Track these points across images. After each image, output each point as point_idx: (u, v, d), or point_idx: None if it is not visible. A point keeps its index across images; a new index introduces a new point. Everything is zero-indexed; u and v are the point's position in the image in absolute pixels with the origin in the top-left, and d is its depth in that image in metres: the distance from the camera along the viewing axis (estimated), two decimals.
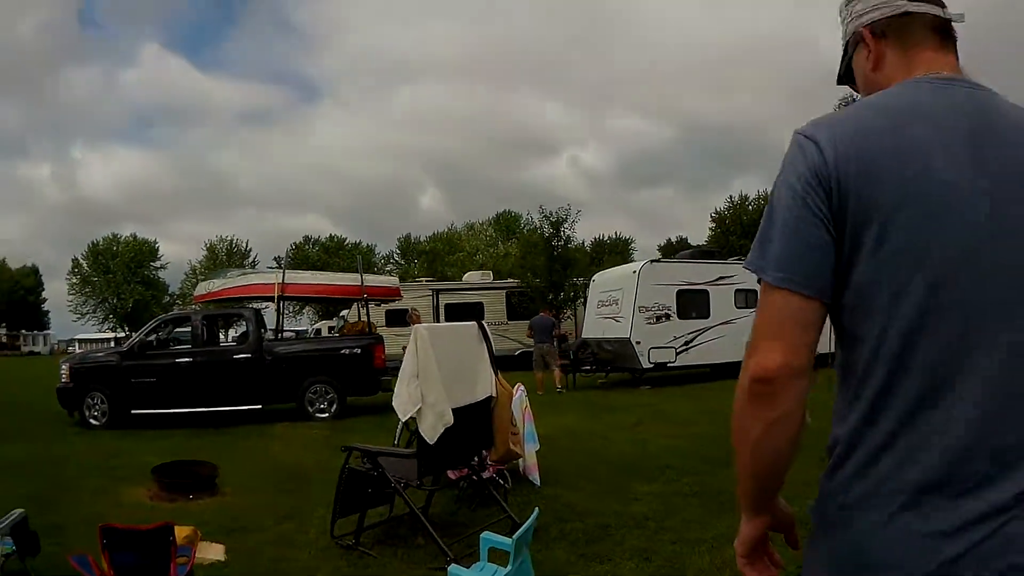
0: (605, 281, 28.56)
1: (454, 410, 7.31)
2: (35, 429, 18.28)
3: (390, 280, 26.78)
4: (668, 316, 25.86)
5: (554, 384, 25.30)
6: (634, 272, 26.38)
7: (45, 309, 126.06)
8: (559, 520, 8.31)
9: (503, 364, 29.18)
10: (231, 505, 9.95)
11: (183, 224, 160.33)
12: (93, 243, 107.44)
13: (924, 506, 1.77)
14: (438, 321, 33.01)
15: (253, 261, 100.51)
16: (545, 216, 39.11)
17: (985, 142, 1.88)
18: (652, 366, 25.43)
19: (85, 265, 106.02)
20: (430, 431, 7.12)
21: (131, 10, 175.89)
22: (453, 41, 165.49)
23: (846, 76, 2.36)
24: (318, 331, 49.73)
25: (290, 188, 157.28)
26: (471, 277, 43.30)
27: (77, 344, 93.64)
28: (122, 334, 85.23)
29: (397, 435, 9.74)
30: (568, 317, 37.98)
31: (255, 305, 22.88)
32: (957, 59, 2.12)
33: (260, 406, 18.73)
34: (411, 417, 7.34)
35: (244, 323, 20.22)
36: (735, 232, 71.21)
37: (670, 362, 25.77)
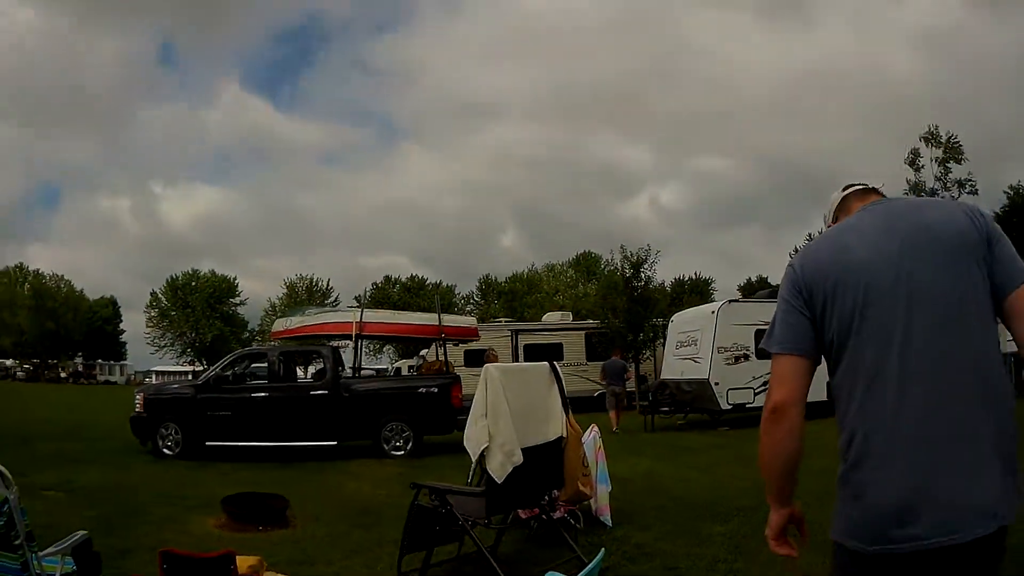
0: (684, 321, 28.35)
1: (524, 450, 7.22)
2: (107, 456, 18.44)
3: (468, 320, 26.82)
4: (746, 356, 25.45)
5: (611, 425, 24.87)
6: (712, 312, 26.20)
7: (123, 340, 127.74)
8: (628, 561, 8.19)
9: (582, 405, 29.11)
10: (300, 538, 9.95)
11: (263, 261, 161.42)
12: (172, 277, 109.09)
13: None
14: (517, 362, 32.72)
15: (335, 300, 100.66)
16: (625, 257, 38.93)
17: (893, 222, 3.03)
18: (730, 407, 25.10)
19: (163, 299, 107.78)
20: (498, 470, 7.06)
21: (209, 50, 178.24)
22: (533, 81, 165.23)
23: None
24: (398, 370, 49.74)
25: (371, 228, 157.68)
26: (551, 318, 43.24)
27: (154, 375, 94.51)
28: (200, 368, 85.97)
29: (471, 473, 9.65)
30: (647, 358, 37.69)
31: (333, 343, 22.99)
32: (879, 196, 3.39)
33: (335, 442, 18.73)
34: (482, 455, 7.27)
35: (321, 360, 20.23)
36: None
37: (748, 403, 25.25)
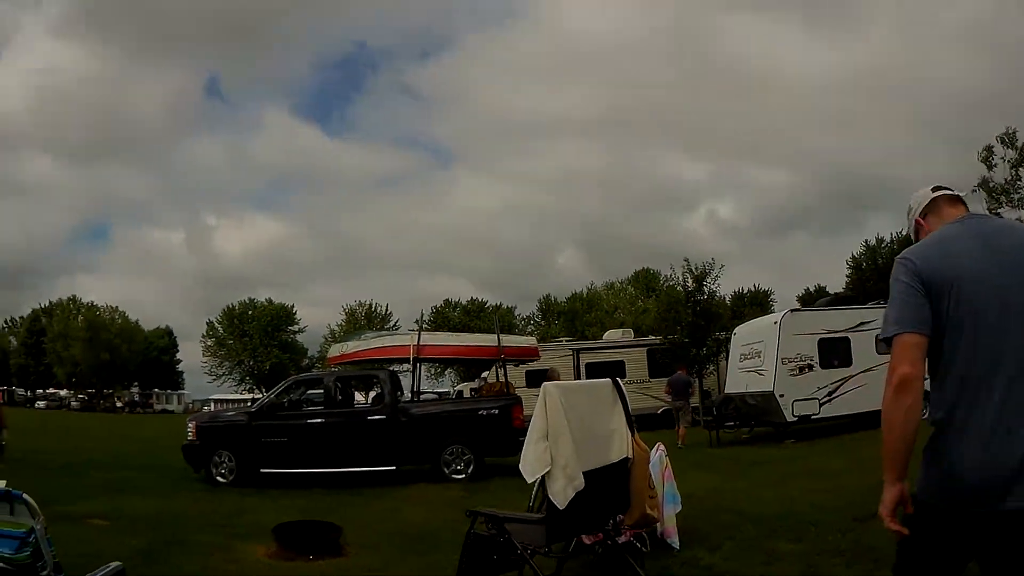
0: (746, 334, 27.93)
1: (586, 473, 6.71)
2: (159, 484, 18.45)
3: (528, 340, 26.52)
4: (811, 367, 24.99)
5: (679, 440, 24.77)
6: (775, 323, 25.72)
7: (180, 370, 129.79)
8: None
9: (646, 423, 28.85)
10: (352, 567, 9.71)
11: (320, 289, 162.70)
12: (228, 307, 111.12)
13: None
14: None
15: (394, 324, 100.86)
16: (689, 270, 38.58)
17: (991, 242, 3.52)
18: (796, 419, 24.49)
19: (220, 328, 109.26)
20: (560, 495, 6.53)
21: (255, 81, 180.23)
22: (583, 99, 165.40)
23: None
24: (459, 392, 49.63)
25: (429, 251, 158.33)
26: (611, 335, 42.99)
27: (212, 404, 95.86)
28: (259, 395, 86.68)
29: (532, 497, 9.34)
30: (711, 372, 37.33)
31: (392, 367, 22.81)
32: (965, 207, 3.90)
33: (394, 467, 18.50)
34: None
35: (379, 384, 20.07)
36: (871, 277, 69.41)
37: (814, 414, 24.82)
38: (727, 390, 28.32)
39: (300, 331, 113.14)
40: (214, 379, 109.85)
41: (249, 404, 21.48)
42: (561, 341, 44.21)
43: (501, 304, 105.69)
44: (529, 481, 7.06)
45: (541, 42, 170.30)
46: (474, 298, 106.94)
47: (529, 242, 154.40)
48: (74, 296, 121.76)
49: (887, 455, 3.42)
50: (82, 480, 18.87)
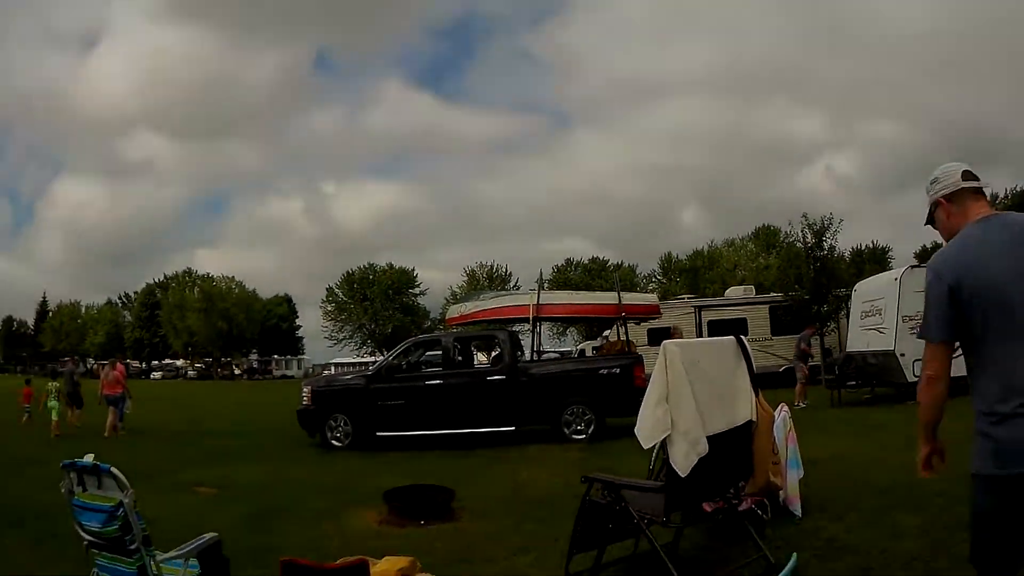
0: (867, 291, 27.15)
1: (709, 437, 6.33)
2: (273, 450, 18.85)
3: (649, 297, 26.21)
4: None
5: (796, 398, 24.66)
6: (895, 279, 24.91)
7: (299, 336, 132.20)
8: (818, 559, 7.39)
9: (767, 382, 28.73)
10: (465, 533, 9.61)
11: (441, 252, 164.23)
12: (348, 272, 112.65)
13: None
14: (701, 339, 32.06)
15: (515, 284, 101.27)
16: (808, 225, 37.92)
17: (1016, 241, 4.00)
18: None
19: (340, 293, 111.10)
20: (682, 462, 6.16)
21: (365, 52, 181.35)
22: (698, 57, 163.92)
23: (929, 223, 4.56)
24: (582, 351, 49.45)
25: (549, 212, 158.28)
26: (733, 292, 42.51)
27: (332, 368, 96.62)
28: (381, 358, 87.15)
29: (652, 460, 9.16)
30: (832, 330, 36.75)
31: (511, 327, 22.83)
32: (988, 203, 4.31)
33: (513, 428, 18.55)
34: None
35: (498, 344, 20.11)
36: None
37: None
38: (848, 348, 27.72)
39: (421, 294, 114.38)
40: (334, 343, 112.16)
41: (367, 367, 21.62)
42: (683, 298, 43.79)
43: (622, 263, 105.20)
44: (646, 447, 6.73)
45: (652, 0, 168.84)
46: (595, 257, 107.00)
47: (649, 200, 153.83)
48: (189, 268, 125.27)
49: (921, 426, 4.43)
50: (194, 448, 19.44)
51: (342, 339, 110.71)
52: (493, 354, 21.76)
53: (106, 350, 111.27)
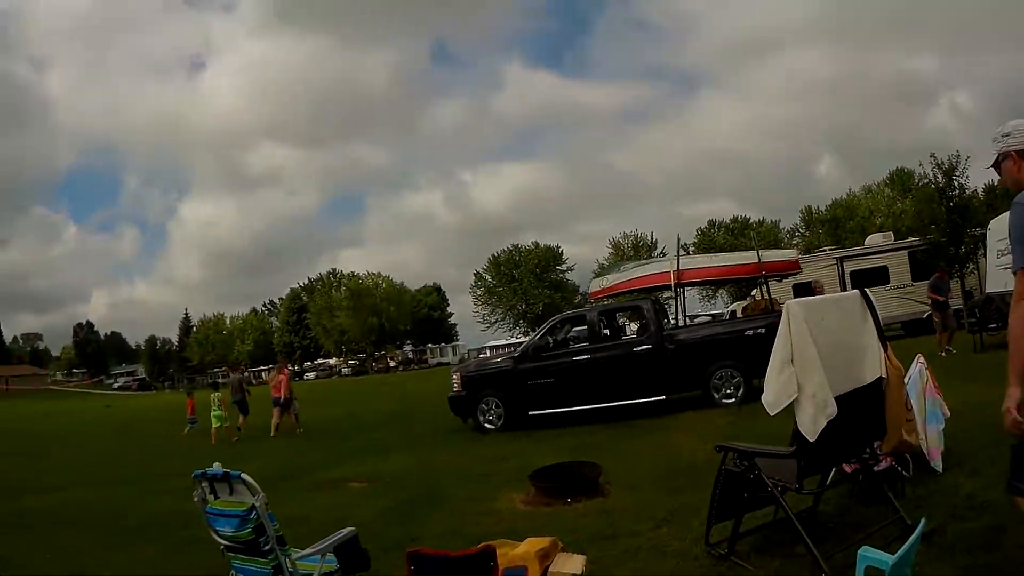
0: (1002, 228, 26.35)
1: (837, 398, 6.14)
2: (423, 440, 19.15)
3: (787, 253, 25.90)
4: None
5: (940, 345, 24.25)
6: None
7: (452, 323, 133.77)
8: (955, 519, 7.10)
9: (912, 329, 28.21)
10: (610, 508, 9.64)
11: (584, 226, 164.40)
12: (494, 255, 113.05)
13: None
14: (845, 290, 31.57)
15: (661, 252, 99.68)
16: (937, 164, 37.03)
17: None
18: None
19: (488, 277, 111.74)
20: (810, 426, 6.07)
21: (479, 38, 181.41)
22: (808, 5, 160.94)
23: (994, 167, 4.84)
24: (732, 313, 49.15)
25: (687, 177, 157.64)
26: (873, 240, 41.58)
27: (487, 351, 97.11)
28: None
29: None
30: (971, 271, 35.88)
31: (656, 295, 22.82)
32: None
33: (663, 397, 18.50)
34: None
35: (643, 314, 20.02)
36: None
37: None
38: (987, 290, 27.00)
39: (569, 269, 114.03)
40: (487, 327, 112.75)
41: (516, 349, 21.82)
42: (824, 251, 43.26)
43: (764, 220, 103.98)
44: (772, 414, 6.44)
45: None
46: (737, 216, 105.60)
47: (783, 155, 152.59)
48: (334, 269, 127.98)
49: (1013, 360, 4.20)
50: (347, 443, 19.96)
51: (494, 322, 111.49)
52: (639, 324, 21.74)
53: (255, 357, 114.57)
